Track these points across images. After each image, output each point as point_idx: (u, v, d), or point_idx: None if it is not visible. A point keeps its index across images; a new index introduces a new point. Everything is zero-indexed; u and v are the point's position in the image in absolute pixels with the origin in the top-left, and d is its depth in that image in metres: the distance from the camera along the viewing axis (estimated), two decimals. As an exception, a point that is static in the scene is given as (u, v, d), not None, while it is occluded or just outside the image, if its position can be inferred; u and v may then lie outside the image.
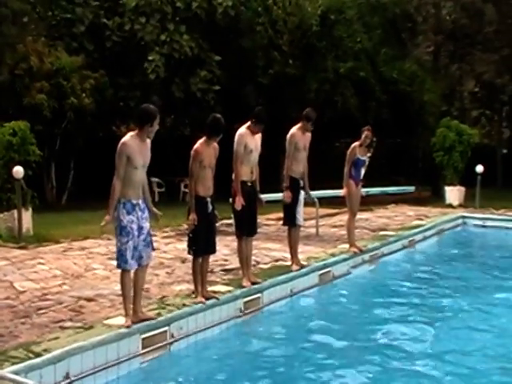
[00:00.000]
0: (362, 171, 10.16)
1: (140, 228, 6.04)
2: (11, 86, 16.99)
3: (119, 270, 6.12)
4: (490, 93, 27.99)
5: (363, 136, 10.00)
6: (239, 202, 7.46)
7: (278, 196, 9.27)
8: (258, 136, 7.79)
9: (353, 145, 10.07)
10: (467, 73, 28.59)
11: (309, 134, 8.79)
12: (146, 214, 6.16)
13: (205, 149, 6.93)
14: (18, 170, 11.50)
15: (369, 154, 10.14)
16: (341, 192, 10.30)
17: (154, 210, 6.33)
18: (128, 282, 6.05)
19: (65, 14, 19.15)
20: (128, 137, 6.01)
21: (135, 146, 5.95)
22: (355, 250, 10.17)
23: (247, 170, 7.65)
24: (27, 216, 11.98)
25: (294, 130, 8.68)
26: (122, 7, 19.32)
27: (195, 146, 6.92)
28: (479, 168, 17.52)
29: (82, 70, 18.02)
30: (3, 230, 11.84)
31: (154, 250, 6.37)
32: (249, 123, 7.69)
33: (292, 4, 20.46)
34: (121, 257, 6.00)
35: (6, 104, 17.01)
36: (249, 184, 7.67)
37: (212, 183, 7.03)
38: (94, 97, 18.11)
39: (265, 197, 8.30)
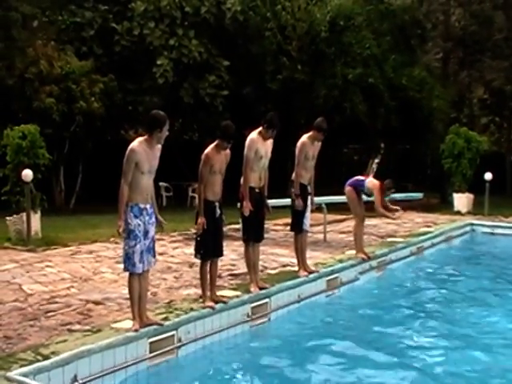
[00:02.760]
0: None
1: (146, 232, 6.05)
2: (21, 89, 17.09)
3: (127, 274, 6.13)
4: (500, 100, 27.91)
5: (387, 191, 9.98)
6: (247, 208, 7.44)
7: (286, 201, 9.26)
8: (270, 142, 7.75)
9: (377, 184, 10.00)
10: (476, 80, 28.57)
11: (318, 144, 8.78)
12: (153, 219, 6.16)
13: (215, 154, 6.93)
14: (27, 174, 11.55)
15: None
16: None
17: (160, 217, 6.31)
18: (136, 285, 6.05)
19: (74, 18, 19.28)
20: (137, 143, 6.00)
21: (143, 152, 5.95)
22: (363, 256, 10.14)
23: (256, 177, 7.63)
24: (36, 219, 12.03)
25: (304, 138, 8.63)
26: (131, 12, 19.38)
27: (206, 151, 6.92)
28: (488, 175, 17.46)
29: (91, 74, 18.11)
30: (12, 232, 11.89)
31: (154, 256, 6.33)
32: (260, 128, 7.66)
33: (301, 10, 20.45)
34: (128, 260, 6.01)
35: (15, 107, 17.12)
36: (257, 190, 7.64)
37: (221, 188, 7.03)
38: (103, 101, 18.19)
39: (273, 202, 8.27)
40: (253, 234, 7.74)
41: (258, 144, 7.56)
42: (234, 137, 6.98)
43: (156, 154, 6.12)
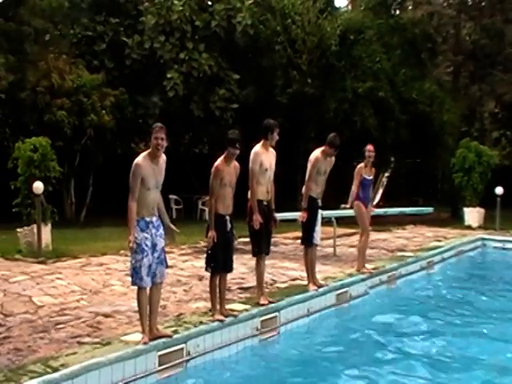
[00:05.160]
0: (370, 191, 10.16)
1: (154, 245, 6.05)
2: (33, 102, 17.22)
3: (136, 287, 6.13)
4: (511, 114, 27.83)
5: (366, 154, 10.02)
6: (257, 221, 7.42)
7: (295, 215, 9.25)
8: (273, 154, 7.77)
9: (358, 166, 10.08)
10: (487, 93, 28.52)
11: (331, 159, 8.77)
12: (161, 231, 6.17)
13: (225, 166, 6.94)
14: (38, 186, 11.61)
15: (374, 174, 10.11)
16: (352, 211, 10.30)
17: (172, 226, 6.33)
18: (144, 299, 6.05)
19: (86, 31, 19.46)
20: (140, 158, 6.02)
21: (148, 166, 5.98)
22: (365, 270, 10.09)
23: (263, 189, 7.62)
24: (46, 231, 12.08)
25: (317, 153, 8.63)
26: (142, 25, 19.55)
27: (216, 164, 6.93)
28: (499, 190, 17.37)
29: (102, 88, 18.25)
30: (23, 244, 11.94)
31: (167, 267, 6.34)
32: (262, 141, 7.69)
33: (311, 23, 20.55)
34: (136, 274, 6.01)
35: (27, 120, 17.24)
36: (265, 203, 7.64)
37: (232, 202, 7.03)
38: (114, 114, 18.32)
39: (282, 215, 8.25)
40: (263, 247, 7.73)
41: (262, 156, 7.57)
42: (239, 141, 6.97)
43: (162, 169, 6.14)
